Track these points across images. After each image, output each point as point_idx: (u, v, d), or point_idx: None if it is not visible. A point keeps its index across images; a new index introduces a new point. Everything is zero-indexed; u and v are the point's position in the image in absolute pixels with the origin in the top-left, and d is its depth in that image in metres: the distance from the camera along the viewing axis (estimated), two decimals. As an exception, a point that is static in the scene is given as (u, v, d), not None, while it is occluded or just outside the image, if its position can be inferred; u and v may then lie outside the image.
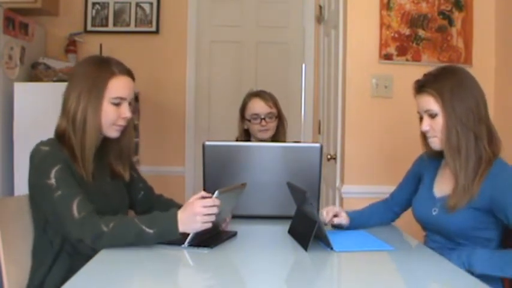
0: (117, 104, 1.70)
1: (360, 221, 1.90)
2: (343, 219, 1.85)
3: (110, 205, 1.75)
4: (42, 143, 1.66)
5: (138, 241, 1.53)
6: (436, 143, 1.72)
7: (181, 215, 1.53)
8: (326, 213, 1.84)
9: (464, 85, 1.67)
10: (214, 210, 1.54)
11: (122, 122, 1.73)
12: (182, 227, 1.53)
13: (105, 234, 1.52)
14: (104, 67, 1.70)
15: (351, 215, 1.90)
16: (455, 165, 1.66)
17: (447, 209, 1.67)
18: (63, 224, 1.56)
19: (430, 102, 1.68)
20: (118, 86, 1.70)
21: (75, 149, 1.66)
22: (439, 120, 1.67)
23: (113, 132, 1.74)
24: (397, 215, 2.01)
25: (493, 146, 1.66)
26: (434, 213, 1.74)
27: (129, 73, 1.75)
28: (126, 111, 1.72)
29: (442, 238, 1.73)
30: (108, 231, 1.52)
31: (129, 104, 1.74)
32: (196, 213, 1.52)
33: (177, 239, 1.59)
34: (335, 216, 1.85)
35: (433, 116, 1.68)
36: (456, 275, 1.41)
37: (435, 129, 1.69)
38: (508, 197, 1.57)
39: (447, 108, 1.65)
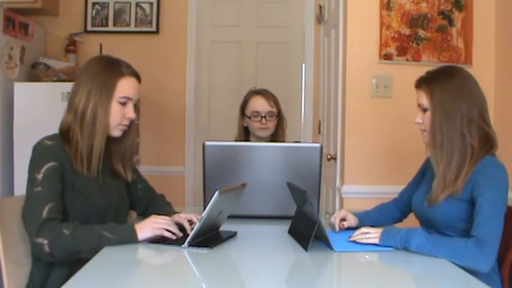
0: (123, 104, 1.75)
1: (369, 221, 1.90)
2: (352, 222, 1.87)
3: (111, 204, 1.77)
4: (46, 138, 1.69)
5: (99, 245, 1.55)
6: (425, 136, 1.80)
7: (137, 224, 1.63)
8: (334, 220, 1.86)
9: (460, 86, 1.72)
10: (168, 225, 1.64)
11: (126, 122, 1.78)
12: (139, 231, 1.60)
13: (65, 236, 1.54)
14: (114, 67, 1.75)
15: (360, 215, 1.91)
16: (437, 157, 1.73)
17: (428, 201, 1.74)
18: (27, 221, 1.58)
19: (423, 97, 1.76)
20: (126, 86, 1.75)
21: (79, 146, 1.68)
22: (429, 114, 1.75)
23: (116, 132, 1.77)
24: (405, 214, 2.02)
25: (488, 146, 1.70)
26: (424, 205, 1.78)
27: (136, 75, 1.81)
28: (130, 111, 1.77)
29: (434, 232, 1.75)
30: (69, 234, 1.54)
31: (134, 105, 1.79)
32: (150, 221, 1.64)
33: (177, 240, 1.60)
34: (343, 220, 1.87)
35: (424, 110, 1.77)
36: (456, 275, 1.41)
37: (425, 123, 1.77)
38: (481, 185, 1.61)
39: (435, 105, 1.72)
